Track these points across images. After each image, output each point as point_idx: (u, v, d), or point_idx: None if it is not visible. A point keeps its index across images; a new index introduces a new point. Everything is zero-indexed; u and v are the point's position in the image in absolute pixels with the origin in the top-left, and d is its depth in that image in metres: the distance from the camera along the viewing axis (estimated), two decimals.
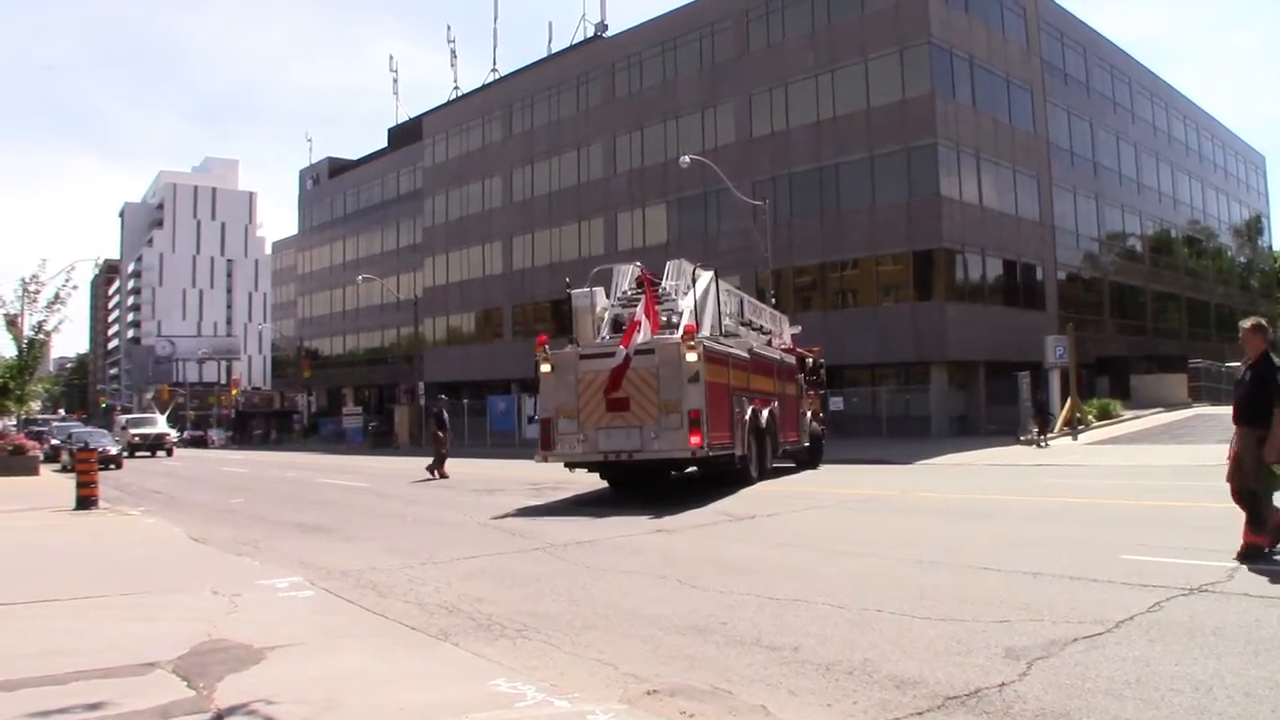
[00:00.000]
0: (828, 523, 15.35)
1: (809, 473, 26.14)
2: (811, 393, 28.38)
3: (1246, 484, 9.70)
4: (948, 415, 43.12)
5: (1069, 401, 37.69)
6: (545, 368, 19.30)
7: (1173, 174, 65.23)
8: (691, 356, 17.97)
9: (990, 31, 47.49)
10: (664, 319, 20.23)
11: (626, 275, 22.49)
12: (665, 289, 21.41)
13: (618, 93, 58.91)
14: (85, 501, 20.80)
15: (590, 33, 69.47)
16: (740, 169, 47.38)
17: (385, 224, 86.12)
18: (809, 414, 27.71)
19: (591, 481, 22.60)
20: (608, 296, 21.91)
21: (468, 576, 11.13)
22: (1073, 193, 52.99)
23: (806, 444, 27.33)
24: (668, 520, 15.68)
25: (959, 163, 44.45)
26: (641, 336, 18.89)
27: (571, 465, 20.20)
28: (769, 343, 26.10)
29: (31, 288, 40.52)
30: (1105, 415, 41.67)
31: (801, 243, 46.13)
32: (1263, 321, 10.17)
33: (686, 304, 20.47)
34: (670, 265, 22.35)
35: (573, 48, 68.95)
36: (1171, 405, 47.57)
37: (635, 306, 20.06)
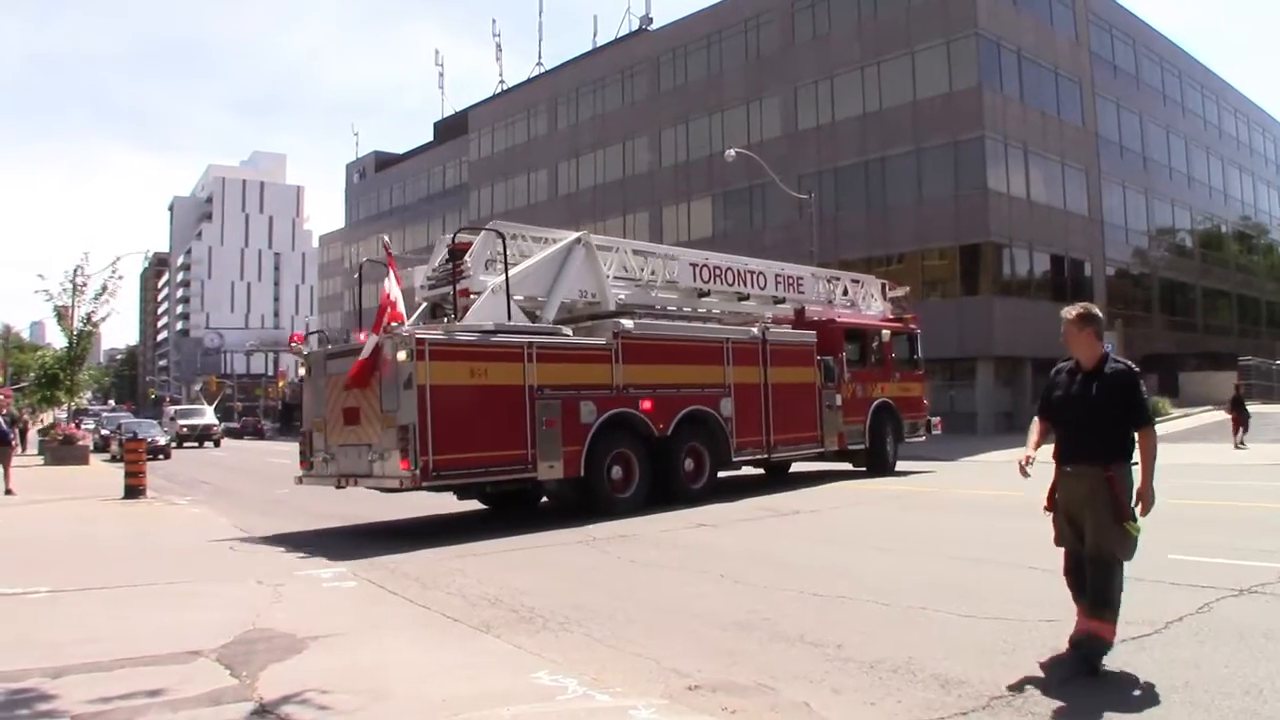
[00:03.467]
0: (872, 519, 15.25)
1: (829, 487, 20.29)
2: (853, 380, 21.85)
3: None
4: (994, 411, 42.76)
5: None
6: (302, 370, 16.81)
7: (1223, 168, 64.24)
8: (401, 354, 14.03)
9: (1038, 23, 46.97)
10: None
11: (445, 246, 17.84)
12: (467, 262, 16.59)
13: (663, 86, 58.80)
14: (133, 491, 21.08)
15: (635, 26, 69.33)
16: (786, 163, 47.13)
17: (431, 217, 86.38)
18: (842, 404, 21.37)
19: None
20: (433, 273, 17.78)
21: (509, 569, 11.15)
22: (1122, 187, 52.33)
23: (860, 444, 21.95)
24: (709, 514, 15.65)
25: (1006, 156, 43.98)
26: (400, 322, 15.68)
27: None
28: (801, 313, 21.91)
29: (78, 280, 41.10)
30: (1154, 413, 41.15)
31: (847, 237, 45.83)
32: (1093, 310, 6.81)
33: (488, 279, 16.25)
34: (485, 234, 17.05)
35: (618, 41, 68.85)
36: (1221, 403, 46.86)
37: (445, 287, 16.74)
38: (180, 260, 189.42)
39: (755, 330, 19.64)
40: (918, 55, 45.16)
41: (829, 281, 23.94)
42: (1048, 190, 46.43)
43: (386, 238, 18.69)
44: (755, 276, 21.42)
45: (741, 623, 7.97)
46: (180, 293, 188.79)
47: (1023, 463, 6.67)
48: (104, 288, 41.66)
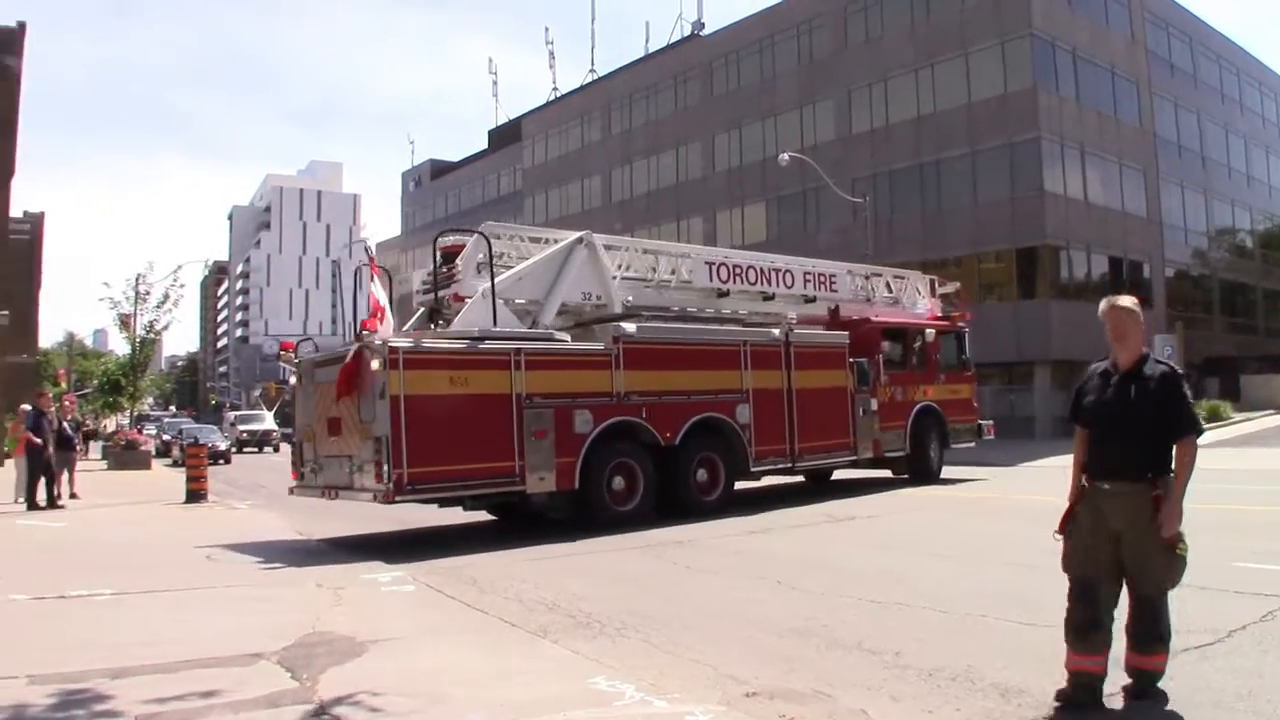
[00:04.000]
0: (929, 525, 15.16)
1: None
2: (891, 383, 20.63)
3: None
4: (1052, 416, 42.21)
5: None
6: (293, 378, 16.45)
7: None
8: (375, 363, 13.57)
9: (1093, 22, 46.45)
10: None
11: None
12: (458, 266, 16.14)
13: (715, 91, 58.75)
14: (194, 495, 21.40)
15: (687, 31, 69.38)
16: (840, 166, 46.89)
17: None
18: (879, 409, 20.16)
19: None
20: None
21: (566, 574, 11.19)
22: (1180, 187, 51.53)
23: (899, 451, 20.63)
24: (765, 521, 15.66)
25: (1063, 157, 43.52)
26: (384, 329, 15.36)
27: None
28: (835, 313, 20.69)
29: (140, 288, 41.84)
30: (1214, 417, 40.50)
31: (902, 241, 45.48)
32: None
33: (479, 283, 15.57)
34: (477, 237, 16.29)
35: (670, 47, 68.91)
36: None
37: (440, 291, 16.13)
38: (239, 268, 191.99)
39: (777, 332, 18.60)
40: (972, 57, 44.80)
41: (867, 278, 22.57)
42: (1105, 191, 45.87)
43: (371, 244, 18.09)
44: (781, 275, 20.26)
45: (799, 629, 7.96)
46: (240, 300, 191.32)
47: (1071, 498, 5.94)
48: (166, 296, 42.41)
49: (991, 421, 24.73)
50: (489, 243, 15.73)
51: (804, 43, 53.26)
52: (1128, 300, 5.92)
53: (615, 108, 67.14)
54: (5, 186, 38.79)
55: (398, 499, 13.37)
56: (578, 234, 17.38)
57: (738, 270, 19.41)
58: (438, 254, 16.20)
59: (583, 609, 8.98)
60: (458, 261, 16.15)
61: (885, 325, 21.30)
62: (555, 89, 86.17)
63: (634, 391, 15.91)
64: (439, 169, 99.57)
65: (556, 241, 17.12)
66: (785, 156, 40.55)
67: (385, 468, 13.22)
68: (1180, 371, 5.83)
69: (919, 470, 21.31)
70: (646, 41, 74.14)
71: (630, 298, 17.48)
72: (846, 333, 19.94)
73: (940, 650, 7.04)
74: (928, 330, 22.01)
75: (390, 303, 16.46)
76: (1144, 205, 48.36)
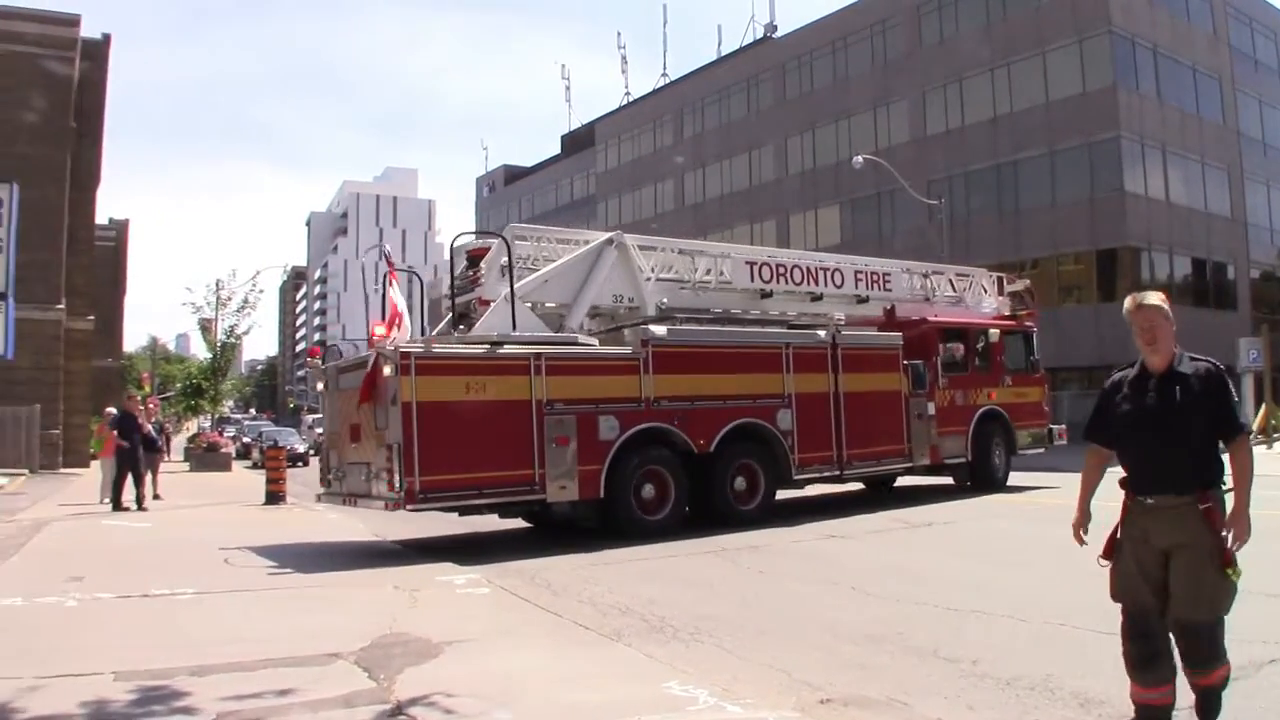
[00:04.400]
0: (1006, 533, 14.97)
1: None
2: (950, 386, 19.69)
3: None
4: None
5: (1263, 408, 35.89)
6: (319, 385, 16.43)
7: None
8: (387, 369, 13.32)
9: (1174, 18, 45.64)
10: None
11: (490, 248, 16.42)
12: (482, 269, 15.82)
13: (788, 93, 58.55)
14: (274, 497, 21.74)
15: (760, 34, 69.18)
16: (914, 168, 46.45)
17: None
18: (936, 413, 19.24)
19: None
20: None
21: (640, 578, 11.21)
22: (1266, 186, 50.41)
23: (959, 458, 19.68)
24: (840, 526, 15.53)
25: (1144, 157, 42.81)
26: (401, 335, 15.36)
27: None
28: (891, 313, 19.93)
29: (221, 294, 42.71)
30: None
31: (979, 243, 45.01)
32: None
33: (504, 287, 15.09)
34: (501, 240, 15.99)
35: (742, 50, 68.77)
36: None
37: (465, 295, 15.91)
38: (317, 273, 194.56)
39: (823, 333, 17.80)
40: (1049, 55, 44.23)
41: (926, 276, 21.53)
42: (1188, 191, 45.06)
43: (388, 247, 18.00)
44: (830, 274, 19.40)
45: (873, 636, 7.90)
46: (317, 305, 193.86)
47: (1076, 526, 5.59)
48: (246, 301, 43.20)
49: (1064, 426, 23.37)
50: (509, 245, 15.42)
51: (877, 44, 52.92)
52: (1155, 297, 5.37)
53: (688, 111, 67.16)
54: (91, 194, 39.70)
55: (408, 508, 13.11)
56: (608, 234, 17.04)
57: (781, 270, 18.71)
58: (457, 258, 15.92)
59: (656, 613, 8.98)
60: (482, 265, 15.88)
61: (943, 325, 20.29)
62: (628, 93, 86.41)
63: (664, 397, 15.36)
64: (513, 174, 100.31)
65: (587, 243, 16.74)
66: (859, 159, 40.28)
67: (398, 475, 12.98)
68: (1221, 366, 5.29)
69: (982, 478, 20.29)
70: (719, 44, 74.20)
71: (665, 300, 16.94)
72: (899, 334, 19.10)
73: (1018, 658, 6.95)
74: (990, 330, 20.97)
75: (422, 308, 16.46)
76: (1228, 205, 47.42)
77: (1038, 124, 44.34)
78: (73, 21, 36.78)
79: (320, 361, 16.77)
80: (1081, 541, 5.48)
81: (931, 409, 19.20)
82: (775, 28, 67.95)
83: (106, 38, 39.26)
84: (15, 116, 34.20)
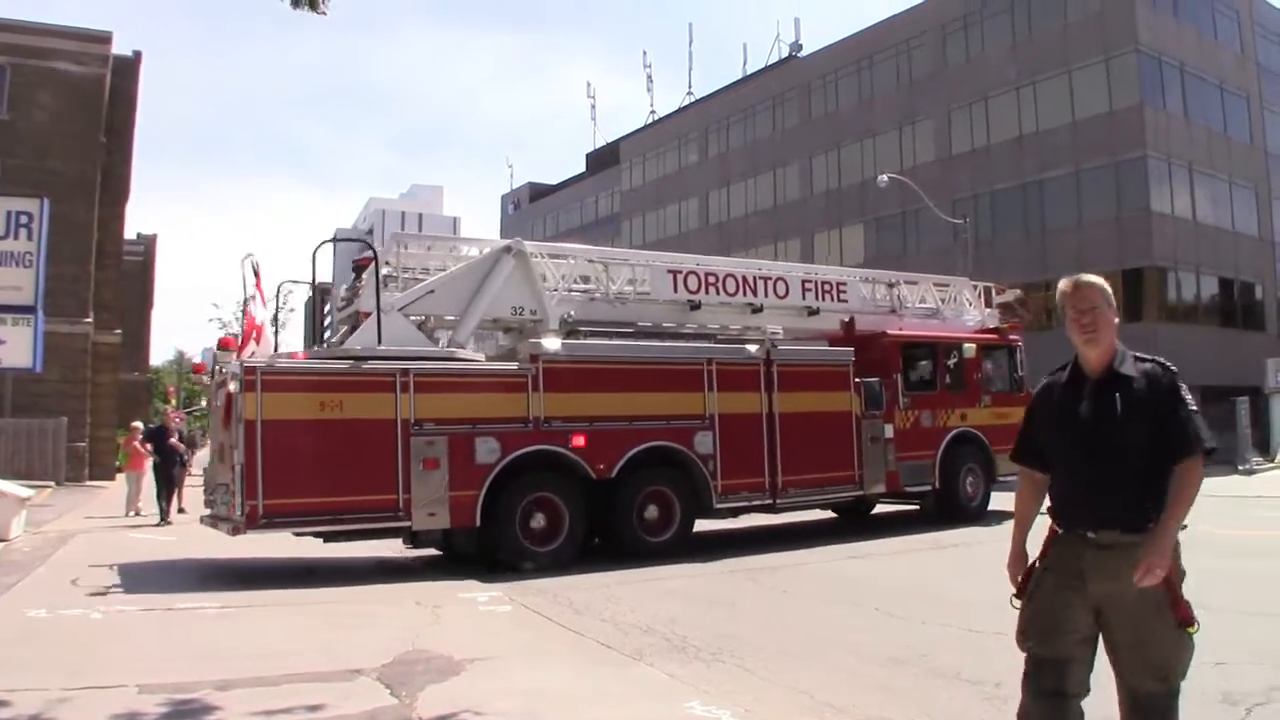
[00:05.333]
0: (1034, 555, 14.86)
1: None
2: (914, 406, 18.10)
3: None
4: None
5: None
6: (203, 401, 15.51)
7: None
8: (232, 385, 12.56)
9: (1200, 36, 45.44)
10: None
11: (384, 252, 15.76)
12: (363, 280, 15.06)
13: (813, 113, 58.56)
14: None
15: (785, 53, 69.17)
16: (939, 187, 46.34)
17: None
18: (895, 436, 17.62)
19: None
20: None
21: (662, 597, 11.20)
22: None
23: (923, 485, 18.04)
24: (863, 546, 15.46)
25: (1170, 176, 42.56)
26: (260, 350, 14.42)
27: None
28: (850, 326, 18.31)
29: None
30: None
31: (1004, 262, 44.73)
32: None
33: (386, 297, 14.13)
34: (385, 248, 15.59)
35: (767, 69, 68.81)
36: None
37: (351, 307, 15.20)
38: (342, 290, 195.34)
39: (755, 348, 16.37)
40: (1075, 74, 44.08)
41: (891, 286, 19.92)
42: (1215, 210, 44.75)
43: (254, 256, 16.72)
44: (772, 283, 17.99)
45: (896, 657, 7.87)
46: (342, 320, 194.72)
47: (1011, 570, 4.67)
48: (275, 319, 43.32)
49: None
50: (375, 253, 14.72)
51: (902, 63, 52.88)
52: (1088, 278, 4.48)
53: (713, 130, 67.24)
54: (120, 209, 40.00)
55: (250, 531, 12.23)
56: (505, 242, 15.86)
57: (711, 279, 17.34)
58: (323, 267, 14.99)
59: (678, 632, 8.98)
60: (363, 276, 15.18)
61: (905, 339, 18.70)
62: (653, 112, 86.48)
63: (557, 417, 14.13)
64: (538, 192, 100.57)
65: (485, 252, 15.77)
66: (884, 178, 40.29)
67: (239, 497, 12.12)
68: (1173, 369, 4.44)
69: (951, 507, 18.38)
70: (744, 64, 74.27)
71: (572, 312, 15.82)
72: (850, 349, 17.50)
73: None
74: (965, 345, 19.17)
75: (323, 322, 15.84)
76: (1255, 224, 47.07)
77: (1064, 143, 44.21)
78: (104, 38, 37.17)
79: (206, 378, 15.86)
80: (1018, 590, 4.57)
81: (889, 431, 17.61)
82: (800, 47, 67.98)
83: (137, 54, 39.63)
84: (47, 132, 34.57)
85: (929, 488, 18.14)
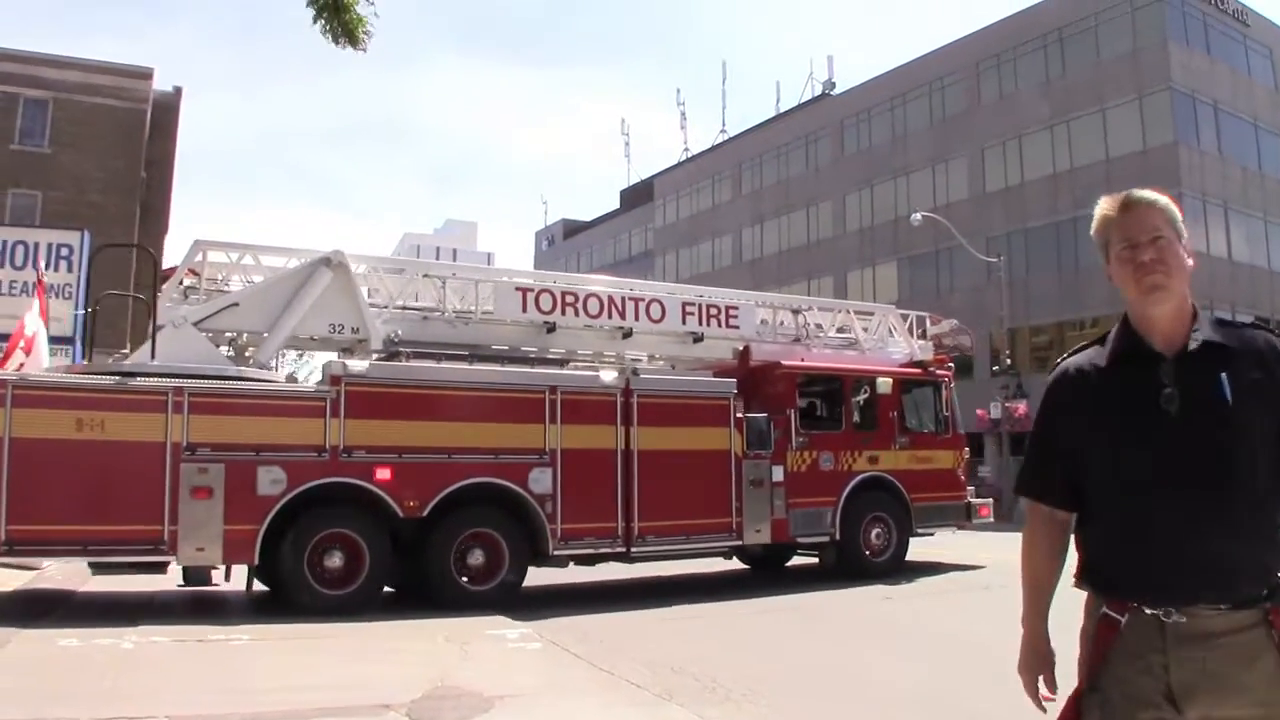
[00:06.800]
0: (1069, 597, 14.74)
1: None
2: (810, 446, 16.12)
3: None
4: None
5: None
6: None
7: None
8: None
9: (1234, 74, 45.29)
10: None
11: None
12: (163, 291, 13.97)
13: (846, 150, 58.67)
14: None
15: (818, 91, 69.38)
16: (973, 225, 46.28)
17: None
18: (786, 479, 15.67)
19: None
20: None
21: (692, 636, 11.18)
22: None
23: (820, 535, 16.13)
24: (898, 588, 15.31)
25: (1205, 214, 42.29)
26: (32, 362, 13.14)
27: None
28: (745, 355, 16.81)
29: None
30: None
31: (1038, 301, 44.67)
32: None
33: (186, 311, 13.40)
34: (186, 256, 14.46)
35: (801, 106, 69.01)
36: None
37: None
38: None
39: (609, 376, 14.76)
40: (1109, 112, 44.02)
41: (797, 313, 18.21)
42: (1250, 249, 44.48)
43: (42, 265, 15.82)
44: (644, 306, 16.45)
45: (927, 698, 7.85)
46: None
47: (1029, 679, 3.20)
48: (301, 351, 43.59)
49: (990, 501, 19.31)
50: (156, 261, 13.90)
51: (935, 101, 52.95)
52: (1152, 192, 3.11)
53: (746, 167, 67.44)
54: (159, 242, 40.45)
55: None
56: (324, 253, 14.41)
57: (570, 300, 15.83)
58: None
59: (708, 672, 8.94)
60: (163, 287, 14.19)
61: (802, 370, 16.80)
62: (686, 149, 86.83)
63: (360, 446, 12.70)
64: (571, 228, 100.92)
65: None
66: (918, 216, 40.29)
67: None
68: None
69: (852, 561, 16.36)
70: (777, 101, 74.35)
71: (399, 331, 14.55)
72: (731, 380, 15.79)
73: None
74: (879, 380, 17.06)
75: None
76: None
77: (1098, 181, 43.90)
78: (146, 74, 37.74)
79: None
80: (1042, 708, 3.12)
81: (779, 474, 15.65)
82: (834, 85, 68.14)
83: (178, 90, 40.17)
84: (88, 165, 35.09)
85: (826, 538, 16.24)
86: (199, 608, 13.07)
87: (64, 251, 19.56)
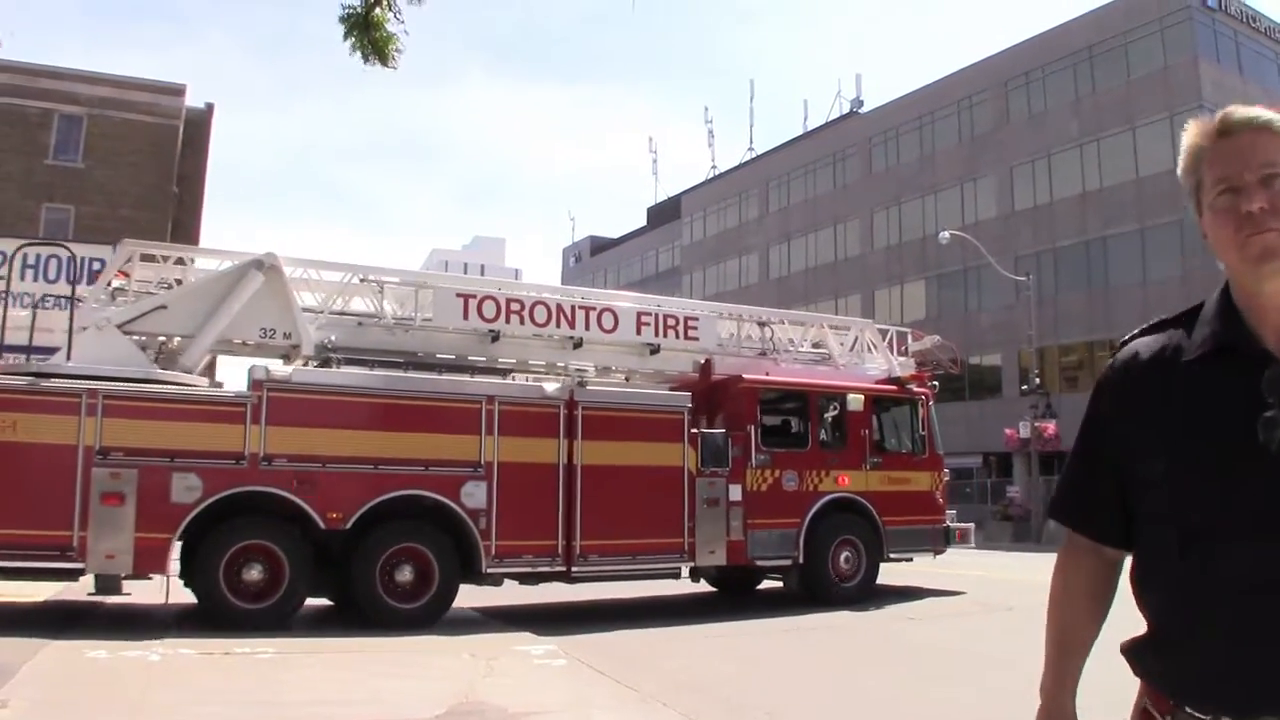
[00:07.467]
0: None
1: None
2: (773, 465, 15.41)
3: None
4: None
5: None
6: None
7: None
8: None
9: (1267, 92, 44.78)
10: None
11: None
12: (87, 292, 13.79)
13: (874, 168, 58.62)
14: None
15: (846, 109, 69.43)
16: (1001, 244, 46.14)
17: None
18: (745, 498, 14.94)
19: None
20: None
21: (715, 655, 11.16)
22: None
23: (782, 558, 15.34)
24: (917, 608, 15.24)
25: None
26: None
27: None
28: (707, 368, 16.09)
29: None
30: None
31: (1067, 320, 44.47)
32: None
33: (110, 313, 13.12)
34: (113, 258, 14.14)
35: (828, 124, 69.06)
36: None
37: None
38: None
39: (553, 387, 14.19)
40: (1139, 131, 43.83)
41: (764, 325, 17.69)
42: None
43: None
44: (595, 315, 15.84)
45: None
46: None
47: None
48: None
49: (971, 525, 18.83)
50: (74, 261, 13.65)
51: (964, 119, 52.86)
52: (1266, 111, 2.26)
53: (773, 185, 67.46)
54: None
55: None
56: (256, 255, 13.96)
57: (515, 307, 15.18)
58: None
59: (734, 692, 8.94)
60: (91, 289, 13.95)
61: (764, 385, 16.02)
62: (714, 167, 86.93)
63: (282, 454, 12.20)
64: (599, 245, 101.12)
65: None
66: (946, 234, 40.18)
67: None
68: None
69: (816, 586, 15.58)
70: (804, 119, 74.29)
71: (334, 337, 14.15)
72: (685, 394, 15.12)
73: None
74: (850, 396, 16.29)
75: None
76: None
77: (1128, 200, 43.86)
78: (178, 91, 38.13)
79: None
80: None
81: (736, 493, 14.94)
82: (861, 103, 68.18)
83: (209, 106, 40.53)
84: (121, 180, 35.45)
85: (789, 561, 15.48)
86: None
87: (95, 266, 19.76)
